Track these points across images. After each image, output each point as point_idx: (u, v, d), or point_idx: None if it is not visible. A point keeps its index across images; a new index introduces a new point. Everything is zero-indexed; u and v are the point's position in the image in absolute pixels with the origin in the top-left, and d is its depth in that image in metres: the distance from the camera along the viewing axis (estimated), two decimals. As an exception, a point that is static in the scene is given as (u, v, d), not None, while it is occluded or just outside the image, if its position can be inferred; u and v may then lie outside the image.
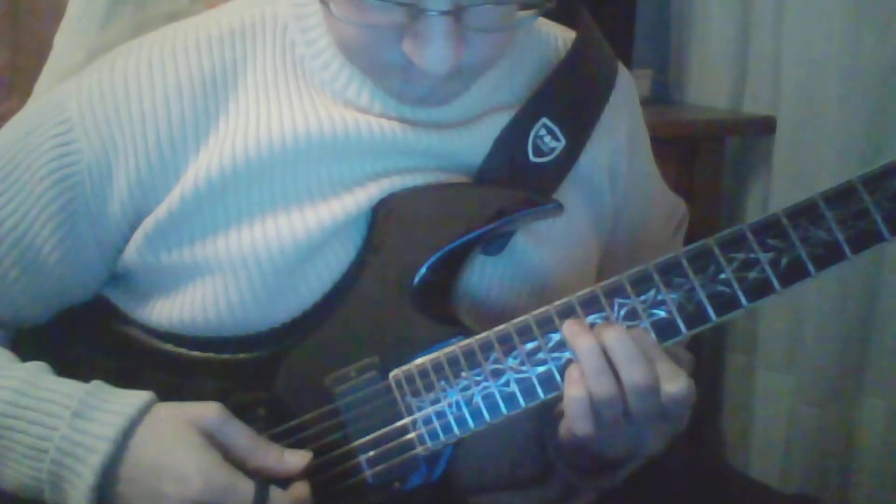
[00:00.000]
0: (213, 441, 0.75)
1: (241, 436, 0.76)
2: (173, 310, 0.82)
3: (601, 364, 0.75)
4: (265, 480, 0.74)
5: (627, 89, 0.96)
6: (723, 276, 0.76)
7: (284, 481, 0.76)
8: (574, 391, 0.75)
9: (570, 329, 0.77)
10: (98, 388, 0.78)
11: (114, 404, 0.76)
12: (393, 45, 0.75)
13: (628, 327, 0.76)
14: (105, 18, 1.03)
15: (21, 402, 0.78)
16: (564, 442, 0.82)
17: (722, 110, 1.85)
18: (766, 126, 1.72)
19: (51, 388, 0.78)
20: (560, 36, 0.93)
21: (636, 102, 0.99)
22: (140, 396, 0.77)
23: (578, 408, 0.75)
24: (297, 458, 0.77)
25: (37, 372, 0.80)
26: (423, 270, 0.81)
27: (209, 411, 0.76)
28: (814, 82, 1.60)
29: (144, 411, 0.76)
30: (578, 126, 0.88)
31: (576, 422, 0.76)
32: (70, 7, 1.06)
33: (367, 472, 0.79)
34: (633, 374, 0.74)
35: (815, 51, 1.59)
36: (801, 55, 1.62)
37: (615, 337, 0.75)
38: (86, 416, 0.76)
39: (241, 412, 0.78)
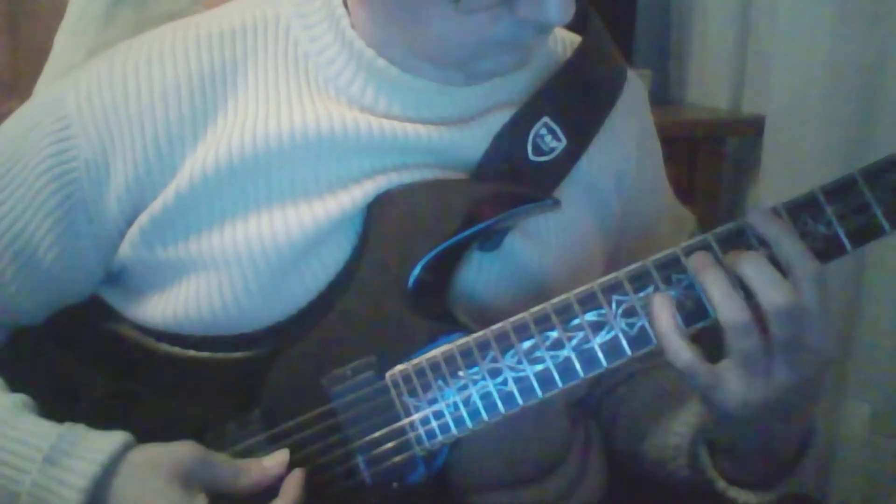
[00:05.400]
0: (194, 481, 0.75)
1: (221, 468, 0.76)
2: (167, 307, 0.82)
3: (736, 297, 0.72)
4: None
5: (638, 97, 0.96)
6: None
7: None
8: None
9: (699, 261, 0.74)
10: (70, 432, 0.77)
11: (86, 450, 0.75)
12: (500, 20, 0.76)
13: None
14: (105, 18, 1.03)
15: None
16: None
17: (722, 110, 1.85)
18: (764, 126, 1.72)
19: (24, 429, 0.77)
20: (563, 39, 0.93)
21: (647, 112, 0.98)
22: (113, 441, 0.76)
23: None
24: (277, 460, 0.77)
25: (13, 408, 0.79)
26: (418, 268, 0.80)
27: (184, 453, 0.75)
28: (802, 82, 1.60)
29: (118, 458, 0.75)
30: (581, 128, 0.88)
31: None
32: (70, 7, 1.06)
33: (365, 473, 0.79)
34: (775, 298, 0.71)
35: (805, 50, 1.59)
36: (792, 55, 1.63)
37: (752, 264, 0.72)
38: (57, 462, 0.75)
39: (236, 413, 0.78)
